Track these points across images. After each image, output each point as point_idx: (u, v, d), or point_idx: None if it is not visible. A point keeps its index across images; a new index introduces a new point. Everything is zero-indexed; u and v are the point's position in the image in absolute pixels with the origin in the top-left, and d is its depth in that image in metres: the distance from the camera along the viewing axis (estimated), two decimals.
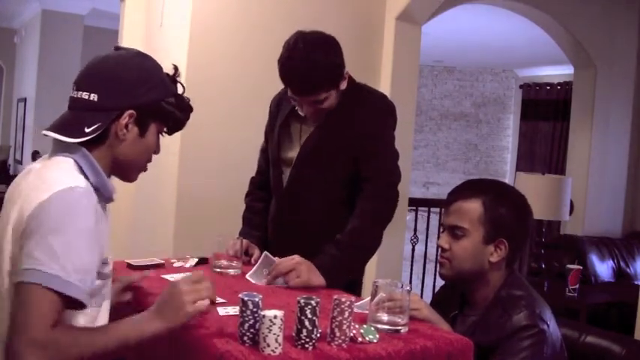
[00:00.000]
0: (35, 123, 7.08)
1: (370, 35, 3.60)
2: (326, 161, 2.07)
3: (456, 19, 4.81)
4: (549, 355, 1.59)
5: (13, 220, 1.26)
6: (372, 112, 2.06)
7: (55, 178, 1.25)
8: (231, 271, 1.89)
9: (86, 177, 1.30)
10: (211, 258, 1.96)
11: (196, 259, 2.02)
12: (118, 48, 1.42)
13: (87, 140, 1.31)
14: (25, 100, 7.96)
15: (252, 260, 2.05)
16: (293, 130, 2.15)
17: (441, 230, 1.79)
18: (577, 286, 3.76)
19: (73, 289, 1.18)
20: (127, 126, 1.34)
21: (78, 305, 1.21)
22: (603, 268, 4.45)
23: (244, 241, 2.02)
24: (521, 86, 7.93)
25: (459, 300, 1.79)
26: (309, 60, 1.90)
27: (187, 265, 1.98)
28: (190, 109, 1.45)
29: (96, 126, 1.30)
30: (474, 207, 1.70)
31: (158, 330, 1.28)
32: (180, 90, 1.43)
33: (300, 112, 2.11)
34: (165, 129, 1.44)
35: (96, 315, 1.35)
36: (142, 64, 1.37)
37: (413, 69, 3.70)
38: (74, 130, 1.30)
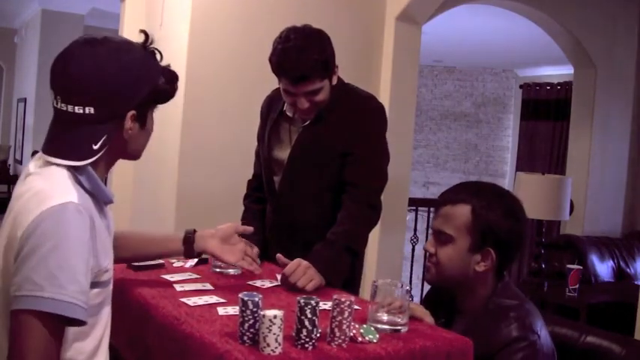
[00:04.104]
0: (35, 123, 7.08)
1: (370, 35, 3.60)
2: (317, 160, 2.08)
3: (456, 19, 4.81)
4: None
5: (6, 232, 1.23)
6: (358, 113, 2.07)
7: (47, 192, 1.20)
8: (231, 271, 1.89)
9: (81, 184, 1.25)
10: (211, 258, 1.96)
11: (196, 259, 2.02)
12: (87, 41, 1.28)
13: None
14: (25, 100, 7.96)
15: None
16: (283, 131, 2.15)
17: (430, 233, 1.74)
18: (577, 286, 3.76)
19: (77, 311, 1.14)
20: (130, 127, 1.31)
21: (78, 324, 1.18)
22: (603, 268, 4.45)
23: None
24: (521, 86, 7.93)
25: (449, 306, 1.75)
26: (303, 47, 1.93)
27: (187, 265, 1.98)
28: (176, 77, 1.39)
29: (102, 140, 1.26)
30: (462, 213, 1.63)
31: None
32: (158, 57, 1.36)
33: (288, 113, 2.11)
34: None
35: (90, 326, 1.29)
36: (125, 60, 1.28)
37: (413, 69, 3.70)
38: (83, 151, 1.24)
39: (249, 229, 1.83)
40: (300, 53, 1.92)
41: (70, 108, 1.24)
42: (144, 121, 1.34)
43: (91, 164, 1.27)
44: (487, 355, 1.52)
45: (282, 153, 2.13)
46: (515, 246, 1.67)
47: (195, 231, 1.72)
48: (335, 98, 2.05)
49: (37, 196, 1.20)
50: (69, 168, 1.25)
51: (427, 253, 1.72)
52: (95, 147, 1.25)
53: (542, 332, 1.60)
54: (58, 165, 1.25)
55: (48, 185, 1.22)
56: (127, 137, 1.32)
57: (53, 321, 1.12)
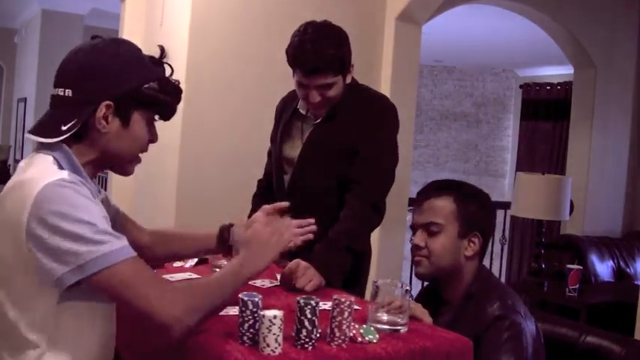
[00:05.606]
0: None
1: (370, 35, 3.60)
2: (327, 158, 2.08)
3: (456, 19, 4.80)
4: (529, 343, 1.61)
5: (6, 221, 1.23)
6: (368, 112, 2.07)
7: (38, 176, 1.21)
8: None
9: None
10: (211, 258, 1.96)
11: (196, 259, 2.02)
12: (94, 37, 1.35)
13: (68, 137, 1.27)
14: (25, 100, 7.96)
15: None
16: (295, 129, 2.16)
17: (412, 231, 1.79)
18: (577, 286, 3.76)
19: (124, 251, 1.20)
20: (106, 118, 1.28)
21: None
22: (603, 268, 4.45)
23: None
24: (521, 86, 7.92)
25: (434, 298, 1.79)
26: (319, 40, 1.96)
27: (187, 265, 1.98)
28: (179, 92, 1.38)
29: (72, 122, 1.26)
30: (447, 203, 1.74)
31: (251, 275, 1.38)
32: (167, 72, 1.36)
33: (301, 110, 2.12)
34: (156, 116, 1.38)
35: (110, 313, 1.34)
36: (116, 52, 1.30)
37: (413, 69, 3.70)
38: (52, 130, 1.27)
39: (284, 204, 1.75)
40: (316, 45, 1.95)
41: (56, 91, 1.30)
42: (126, 119, 1.31)
43: (78, 161, 1.29)
44: (475, 336, 1.54)
45: (294, 151, 2.14)
46: (491, 232, 1.83)
47: (231, 225, 1.68)
48: (347, 97, 2.07)
49: (29, 182, 1.21)
50: (54, 156, 1.27)
51: (415, 249, 1.76)
52: (64, 128, 1.27)
53: (524, 312, 1.65)
54: (44, 154, 1.28)
55: (36, 171, 1.24)
56: (101, 129, 1.29)
57: (115, 269, 1.18)
